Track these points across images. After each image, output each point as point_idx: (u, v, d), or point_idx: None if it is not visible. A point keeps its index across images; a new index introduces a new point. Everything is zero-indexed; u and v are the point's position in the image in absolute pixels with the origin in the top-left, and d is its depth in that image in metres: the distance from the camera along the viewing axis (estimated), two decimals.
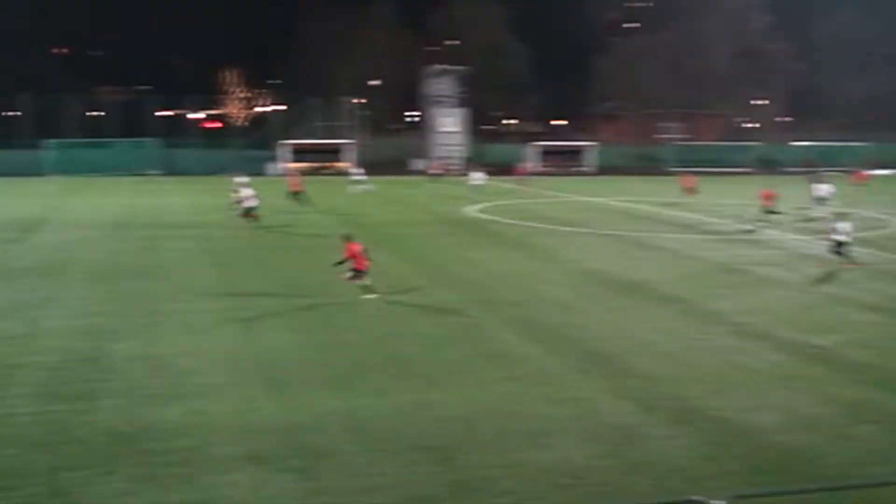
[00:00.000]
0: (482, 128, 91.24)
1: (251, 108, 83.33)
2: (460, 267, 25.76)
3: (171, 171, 66.63)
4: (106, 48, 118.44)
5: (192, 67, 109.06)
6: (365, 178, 52.78)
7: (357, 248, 21.06)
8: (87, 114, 77.88)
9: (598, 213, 42.11)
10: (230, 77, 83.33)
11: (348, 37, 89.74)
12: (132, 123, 71.61)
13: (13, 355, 15.68)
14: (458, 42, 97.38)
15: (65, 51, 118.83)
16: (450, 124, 73.89)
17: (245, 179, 39.77)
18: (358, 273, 20.94)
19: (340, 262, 21.12)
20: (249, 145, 73.20)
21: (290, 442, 11.77)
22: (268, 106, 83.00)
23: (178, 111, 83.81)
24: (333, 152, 71.69)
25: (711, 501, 6.05)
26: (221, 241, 30.75)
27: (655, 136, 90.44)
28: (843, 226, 25.56)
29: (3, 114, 71.19)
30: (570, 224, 36.48)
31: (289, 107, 76.36)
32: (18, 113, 70.70)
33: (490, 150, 78.27)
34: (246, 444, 11.65)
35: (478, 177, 50.50)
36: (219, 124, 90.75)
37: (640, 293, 21.89)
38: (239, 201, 35.92)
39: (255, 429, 12.22)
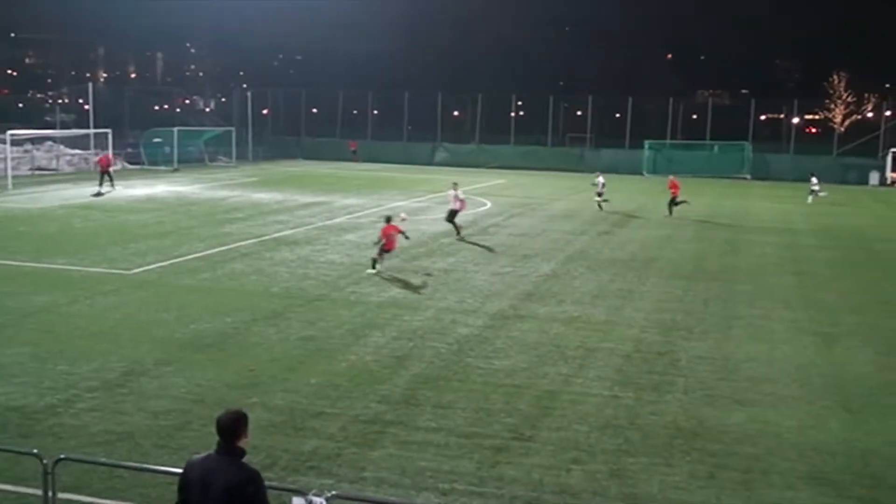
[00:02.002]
0: None
1: (855, 113, 78.45)
2: None
3: (763, 175, 65.98)
4: (711, 52, 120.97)
5: (797, 70, 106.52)
6: (818, 186, 47.79)
7: (392, 230, 22.91)
8: (692, 116, 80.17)
9: None
10: (835, 80, 79.48)
11: None
12: (732, 126, 72.13)
13: (594, 340, 16.79)
14: None
15: (669, 56, 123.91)
16: None
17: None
18: (383, 252, 22.81)
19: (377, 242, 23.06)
20: (848, 152, 69.26)
21: (857, 468, 10.93)
22: (875, 111, 77.52)
23: (778, 115, 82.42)
24: None
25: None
26: (803, 248, 29.64)
27: None
28: None
29: (614, 115, 76.61)
30: None
31: None
32: (619, 115, 75.43)
33: None
34: (809, 462, 11.08)
35: None
36: (816, 130, 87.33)
37: None
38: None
39: (821, 448, 11.56)
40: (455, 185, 30.96)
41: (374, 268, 22.75)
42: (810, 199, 47.13)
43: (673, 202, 38.48)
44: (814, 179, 48.75)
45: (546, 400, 13.19)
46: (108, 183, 43.27)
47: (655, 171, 67.33)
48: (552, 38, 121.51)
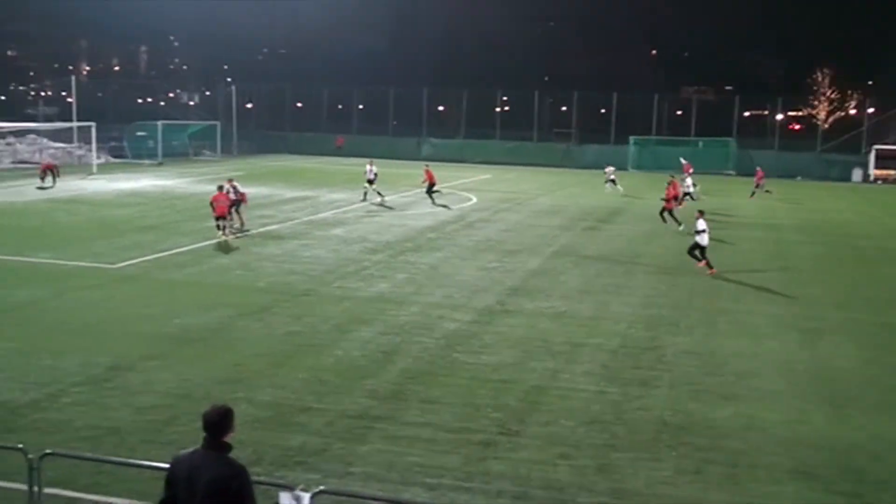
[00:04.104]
0: None
1: (839, 110, 78.80)
2: None
3: (748, 171, 66.21)
4: (695, 49, 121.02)
5: (780, 67, 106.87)
6: (614, 177, 48.54)
7: (220, 197, 26.37)
8: (677, 112, 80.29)
9: None
10: (819, 77, 79.80)
11: None
12: (716, 123, 72.32)
13: (581, 335, 16.81)
14: None
15: (654, 52, 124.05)
16: None
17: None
18: (218, 219, 26.29)
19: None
20: (832, 149, 69.61)
21: (842, 463, 10.99)
22: (858, 108, 77.87)
23: (762, 112, 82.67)
24: None
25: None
26: (788, 244, 29.79)
27: None
28: None
29: (599, 111, 76.73)
30: None
31: (882, 109, 70.90)
32: (604, 111, 75.63)
33: None
34: (794, 457, 11.14)
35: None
36: (800, 126, 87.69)
37: None
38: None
39: (806, 443, 11.62)
40: (231, 181, 29.36)
41: (219, 233, 26.37)
42: (608, 187, 47.68)
43: (430, 190, 38.60)
44: (609, 169, 49.53)
45: (533, 395, 13.20)
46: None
47: (641, 166, 67.48)
48: (537, 34, 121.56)
